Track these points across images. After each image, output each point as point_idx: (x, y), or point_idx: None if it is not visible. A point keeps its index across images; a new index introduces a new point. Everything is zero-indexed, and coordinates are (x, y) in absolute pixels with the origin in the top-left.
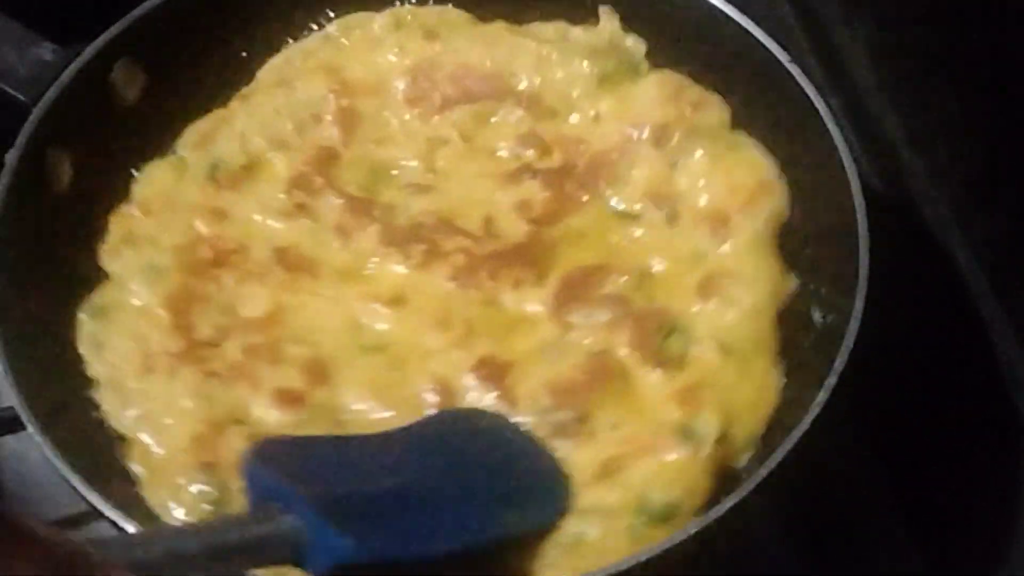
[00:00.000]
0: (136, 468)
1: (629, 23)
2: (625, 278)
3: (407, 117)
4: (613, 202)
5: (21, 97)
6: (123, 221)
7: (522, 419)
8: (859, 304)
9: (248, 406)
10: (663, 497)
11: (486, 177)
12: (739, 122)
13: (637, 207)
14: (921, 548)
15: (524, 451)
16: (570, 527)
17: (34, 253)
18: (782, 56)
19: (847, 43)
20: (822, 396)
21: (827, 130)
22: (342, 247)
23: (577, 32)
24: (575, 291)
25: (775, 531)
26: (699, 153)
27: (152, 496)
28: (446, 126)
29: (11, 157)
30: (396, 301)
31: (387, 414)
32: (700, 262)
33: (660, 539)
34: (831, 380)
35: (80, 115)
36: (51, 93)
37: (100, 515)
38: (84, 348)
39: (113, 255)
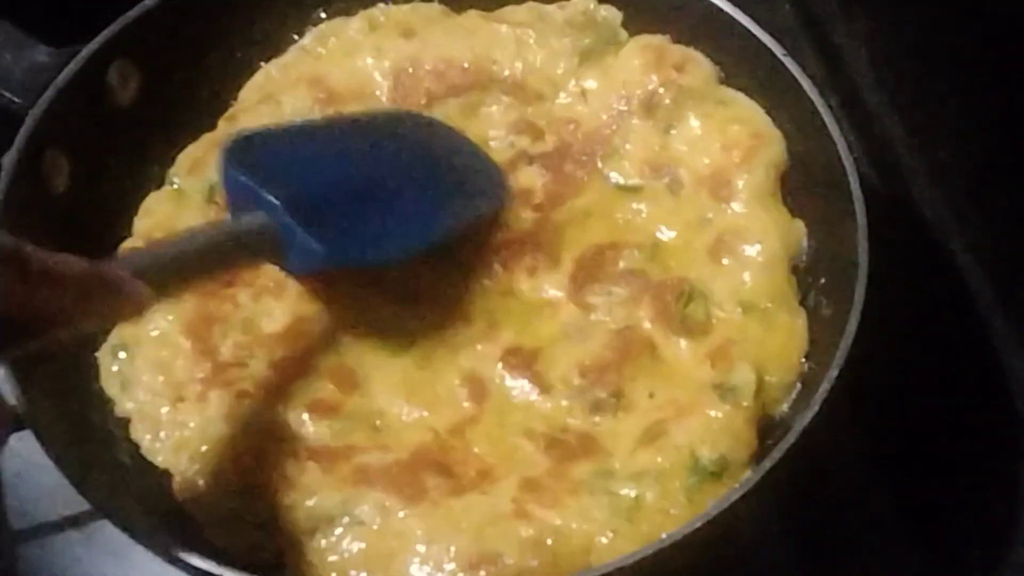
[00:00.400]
0: (182, 499)
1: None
2: (637, 252)
3: None
4: (613, 178)
5: (17, 100)
6: None
7: (558, 402)
8: (859, 295)
9: (285, 422)
10: (711, 453)
11: None
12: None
13: (637, 180)
14: (921, 548)
15: (462, 148)
16: (626, 491)
17: None
18: (781, 54)
19: (847, 43)
20: (824, 387)
21: (827, 129)
22: None
23: (551, 10)
24: (590, 271)
25: (775, 531)
26: (690, 115)
27: (208, 530)
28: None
29: (8, 159)
30: (415, 300)
31: (423, 413)
32: (708, 225)
33: (717, 495)
34: (832, 372)
35: (77, 117)
36: (47, 95)
37: (100, 515)
38: (110, 388)
39: None
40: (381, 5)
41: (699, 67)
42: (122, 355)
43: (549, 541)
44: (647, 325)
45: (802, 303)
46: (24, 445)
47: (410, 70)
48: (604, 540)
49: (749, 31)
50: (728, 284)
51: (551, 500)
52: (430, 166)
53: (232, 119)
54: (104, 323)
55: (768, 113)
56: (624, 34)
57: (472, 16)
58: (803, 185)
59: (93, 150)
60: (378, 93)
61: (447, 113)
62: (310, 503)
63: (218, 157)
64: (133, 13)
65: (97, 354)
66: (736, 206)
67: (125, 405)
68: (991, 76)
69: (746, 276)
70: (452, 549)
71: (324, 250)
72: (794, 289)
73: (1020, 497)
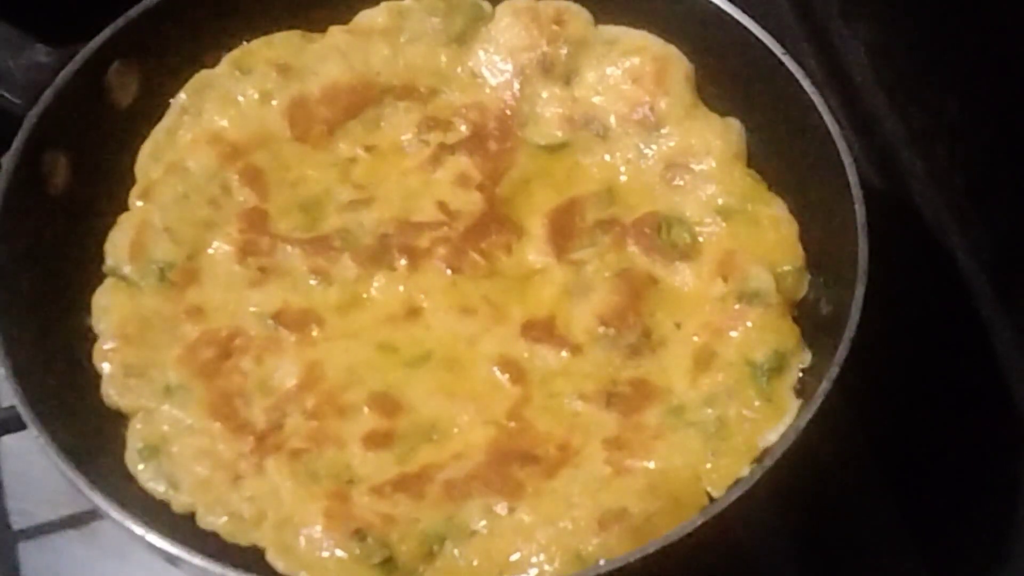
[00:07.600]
0: (280, 567)
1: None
2: (597, 200)
3: (305, 153)
4: (538, 141)
5: (17, 100)
6: (109, 357)
7: (594, 357)
8: (859, 295)
9: (348, 464)
10: (765, 354)
11: (411, 172)
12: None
13: (561, 137)
14: (921, 548)
15: None
16: (706, 415)
17: (32, 254)
18: (781, 54)
19: (847, 43)
20: (824, 387)
21: (827, 129)
22: (328, 286)
23: (408, 4)
24: (563, 231)
25: (775, 531)
26: (586, 63)
27: None
28: (345, 146)
29: (7, 160)
30: (411, 310)
31: (473, 411)
32: (651, 156)
33: (789, 385)
34: (832, 372)
35: (76, 117)
36: (47, 96)
37: (100, 514)
38: (155, 489)
39: (123, 390)
40: (244, 44)
41: (576, 14)
42: (156, 456)
43: (660, 484)
44: (642, 261)
45: (802, 301)
46: (24, 445)
47: (300, 105)
48: (709, 464)
49: (749, 31)
50: (695, 201)
51: (642, 451)
52: None
53: (146, 194)
54: None
55: (767, 112)
56: (488, 7)
57: (336, 34)
58: (802, 184)
59: (93, 150)
60: (279, 135)
61: (351, 136)
62: (416, 531)
63: None
64: (132, 13)
65: (127, 463)
66: (670, 128)
67: (182, 500)
68: (991, 76)
69: (708, 188)
70: (574, 522)
71: None
72: (758, 180)
73: (1020, 497)
